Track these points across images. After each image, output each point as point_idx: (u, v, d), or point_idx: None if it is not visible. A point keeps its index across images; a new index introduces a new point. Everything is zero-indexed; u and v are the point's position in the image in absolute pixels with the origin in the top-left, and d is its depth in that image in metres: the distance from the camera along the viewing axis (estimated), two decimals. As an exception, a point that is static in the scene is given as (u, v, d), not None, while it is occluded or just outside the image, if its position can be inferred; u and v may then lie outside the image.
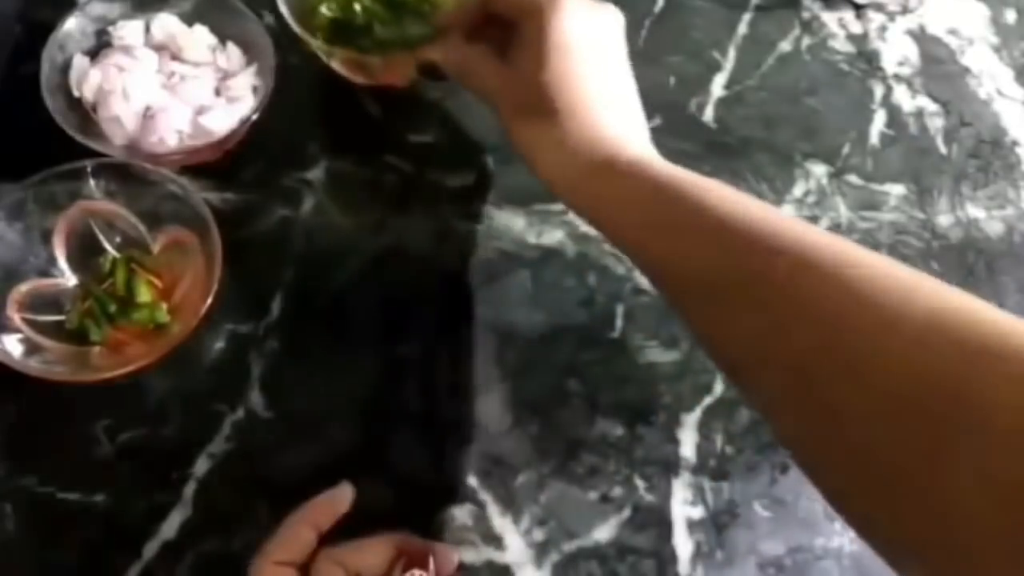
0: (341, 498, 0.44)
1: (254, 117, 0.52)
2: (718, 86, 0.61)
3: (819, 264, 0.35)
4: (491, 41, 0.48)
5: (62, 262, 0.50)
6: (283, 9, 0.53)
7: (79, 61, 0.53)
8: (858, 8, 0.65)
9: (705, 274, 0.39)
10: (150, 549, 0.46)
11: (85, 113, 0.53)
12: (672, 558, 0.48)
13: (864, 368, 0.32)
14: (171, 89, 0.54)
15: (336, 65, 0.55)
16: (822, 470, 0.35)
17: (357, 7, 0.55)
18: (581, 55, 0.44)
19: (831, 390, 0.33)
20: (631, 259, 0.44)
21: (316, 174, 0.55)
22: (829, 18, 0.65)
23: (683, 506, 0.49)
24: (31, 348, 0.47)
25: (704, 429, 0.51)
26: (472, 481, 0.49)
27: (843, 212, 0.58)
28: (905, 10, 0.66)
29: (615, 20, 0.47)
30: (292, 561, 0.41)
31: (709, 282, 0.39)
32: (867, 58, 0.64)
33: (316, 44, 0.54)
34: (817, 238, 0.36)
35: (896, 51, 0.64)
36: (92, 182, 0.49)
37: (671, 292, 0.42)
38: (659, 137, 0.58)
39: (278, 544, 0.42)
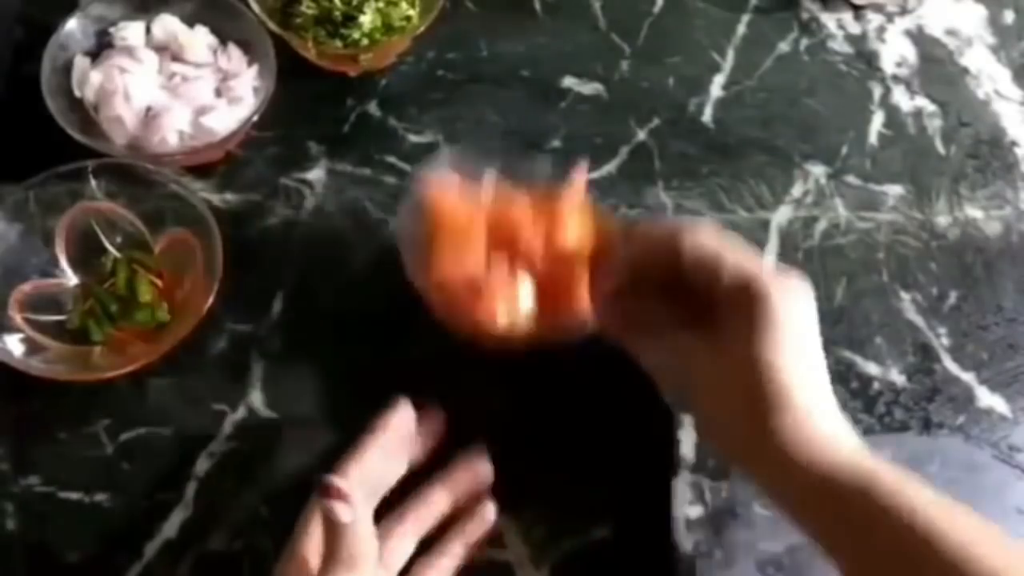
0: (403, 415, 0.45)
1: (255, 118, 0.52)
2: (717, 87, 0.61)
3: None
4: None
5: (63, 262, 0.50)
6: (256, 8, 0.53)
7: (80, 62, 0.54)
8: (856, 9, 0.66)
9: None
10: (151, 548, 0.46)
11: (86, 114, 0.53)
12: (672, 557, 0.48)
13: None
14: (172, 90, 0.54)
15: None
16: None
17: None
18: (813, 345, 0.41)
19: None
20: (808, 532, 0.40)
21: (317, 174, 0.55)
22: (828, 19, 0.65)
23: (682, 505, 0.49)
24: (32, 348, 0.47)
25: (703, 428, 0.51)
26: (472, 480, 0.49)
27: (841, 212, 0.58)
28: (903, 11, 0.66)
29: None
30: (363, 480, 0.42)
31: None
32: (866, 59, 0.64)
33: (296, 41, 0.54)
34: None
35: (894, 52, 0.64)
36: (93, 182, 0.49)
37: None
38: (658, 138, 0.59)
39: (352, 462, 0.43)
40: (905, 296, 0.56)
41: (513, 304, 0.47)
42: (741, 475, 0.44)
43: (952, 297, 0.56)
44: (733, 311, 0.41)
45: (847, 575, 0.39)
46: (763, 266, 0.42)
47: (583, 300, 0.47)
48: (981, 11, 0.67)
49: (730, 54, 0.62)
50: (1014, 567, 0.35)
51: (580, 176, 0.49)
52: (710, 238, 0.42)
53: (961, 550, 0.35)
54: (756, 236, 0.56)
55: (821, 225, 0.57)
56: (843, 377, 0.53)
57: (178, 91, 0.54)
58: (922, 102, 0.63)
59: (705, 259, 0.42)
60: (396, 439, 0.45)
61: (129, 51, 0.54)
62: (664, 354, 0.44)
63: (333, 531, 0.39)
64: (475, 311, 0.47)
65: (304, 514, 0.42)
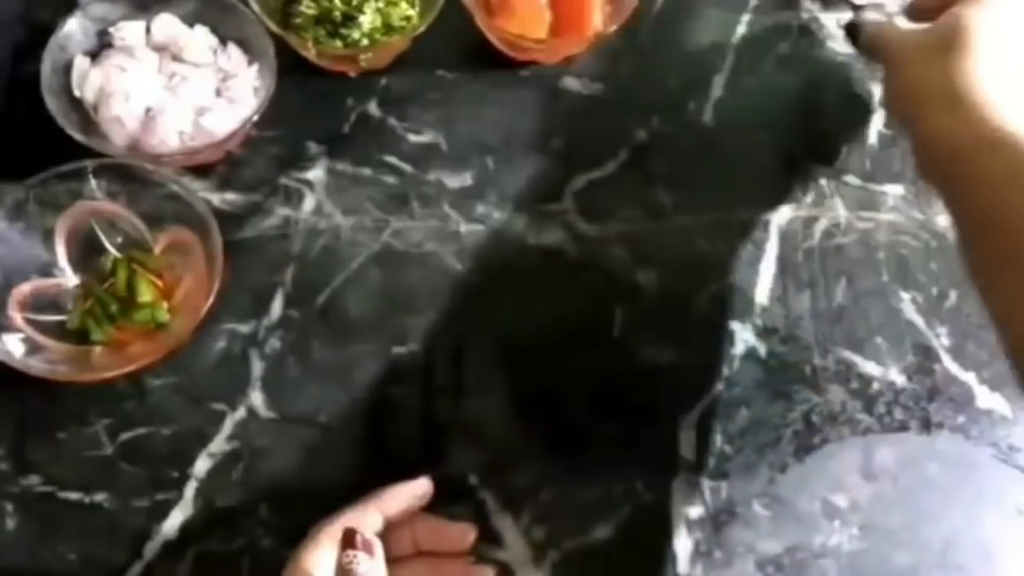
0: (417, 490, 0.45)
1: (255, 118, 0.52)
2: (717, 87, 0.61)
3: None
4: None
5: (63, 262, 0.50)
6: (256, 8, 0.53)
7: (80, 62, 0.54)
8: (856, 9, 0.66)
9: None
10: (151, 548, 0.46)
11: (86, 114, 0.53)
12: (671, 557, 0.48)
13: None
14: (172, 90, 0.54)
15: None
16: None
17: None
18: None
19: None
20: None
21: (316, 174, 0.55)
22: (827, 19, 0.65)
23: (682, 505, 0.49)
24: (32, 348, 0.47)
25: (703, 428, 0.51)
26: (472, 479, 0.49)
27: (841, 212, 0.58)
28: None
29: None
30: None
31: None
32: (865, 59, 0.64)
33: (296, 41, 0.54)
34: None
35: (894, 52, 0.64)
36: (93, 182, 0.49)
37: None
38: (658, 138, 0.59)
39: (340, 520, 0.42)
40: (905, 296, 0.56)
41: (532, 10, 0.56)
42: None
43: (952, 297, 0.56)
44: None
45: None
46: None
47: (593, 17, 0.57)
48: (981, 11, 0.67)
49: (730, 54, 0.62)
50: None
51: None
52: None
53: None
54: (756, 236, 0.56)
55: (821, 225, 0.57)
56: (843, 377, 0.53)
57: (178, 91, 0.54)
58: (922, 102, 0.63)
59: None
60: (397, 511, 0.45)
61: (129, 51, 0.54)
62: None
63: None
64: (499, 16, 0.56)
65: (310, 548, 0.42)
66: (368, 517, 0.43)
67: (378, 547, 0.41)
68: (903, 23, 0.54)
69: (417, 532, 0.45)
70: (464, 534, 0.45)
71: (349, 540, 0.39)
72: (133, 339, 0.49)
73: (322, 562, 0.41)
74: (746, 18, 0.64)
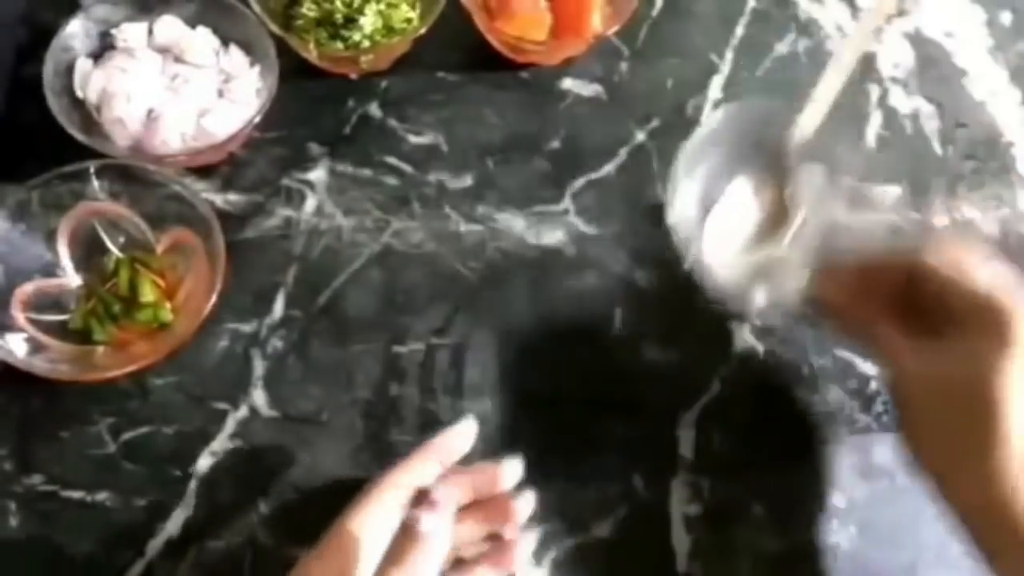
0: (466, 432, 0.45)
1: (256, 119, 0.53)
2: (716, 88, 0.61)
3: None
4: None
5: (66, 262, 0.50)
6: (257, 10, 0.54)
7: (82, 63, 0.54)
8: (855, 10, 0.66)
9: None
10: (153, 547, 0.46)
11: (88, 115, 0.53)
12: (670, 555, 0.49)
13: None
14: (174, 91, 0.54)
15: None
16: None
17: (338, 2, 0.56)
18: None
19: None
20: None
21: (318, 175, 0.56)
22: (826, 20, 0.65)
23: (681, 504, 0.50)
24: (35, 347, 0.48)
25: (702, 427, 0.51)
26: (472, 479, 0.49)
27: (840, 212, 0.58)
28: (901, 12, 0.66)
29: None
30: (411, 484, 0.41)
31: None
32: (863, 60, 0.64)
33: (297, 43, 0.55)
34: None
35: (892, 53, 0.65)
36: (96, 183, 0.49)
37: None
38: (658, 138, 0.59)
39: (392, 478, 0.42)
40: (903, 296, 0.56)
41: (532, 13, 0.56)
42: (940, 499, 0.41)
43: (949, 297, 0.56)
44: (972, 327, 0.39)
45: None
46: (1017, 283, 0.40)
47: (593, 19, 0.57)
48: (979, 13, 0.67)
49: (729, 56, 0.62)
50: None
51: None
52: (957, 251, 0.41)
53: None
54: (755, 236, 0.57)
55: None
56: (841, 377, 0.53)
57: (180, 92, 0.54)
58: (919, 103, 0.63)
59: (950, 272, 0.40)
60: (451, 458, 0.44)
61: (131, 52, 0.54)
62: (897, 352, 0.42)
63: (411, 538, 0.38)
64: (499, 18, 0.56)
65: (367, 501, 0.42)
66: (427, 467, 0.42)
67: (447, 501, 0.39)
68: None
69: (474, 480, 0.44)
70: (511, 470, 0.44)
71: (420, 499, 0.39)
72: (135, 339, 0.49)
73: (369, 526, 0.40)
74: (745, 19, 0.64)
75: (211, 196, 0.54)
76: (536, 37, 0.57)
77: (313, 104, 0.58)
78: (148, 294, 0.50)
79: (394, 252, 0.54)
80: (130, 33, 0.55)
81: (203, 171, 0.55)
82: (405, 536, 0.39)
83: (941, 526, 0.42)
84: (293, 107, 0.56)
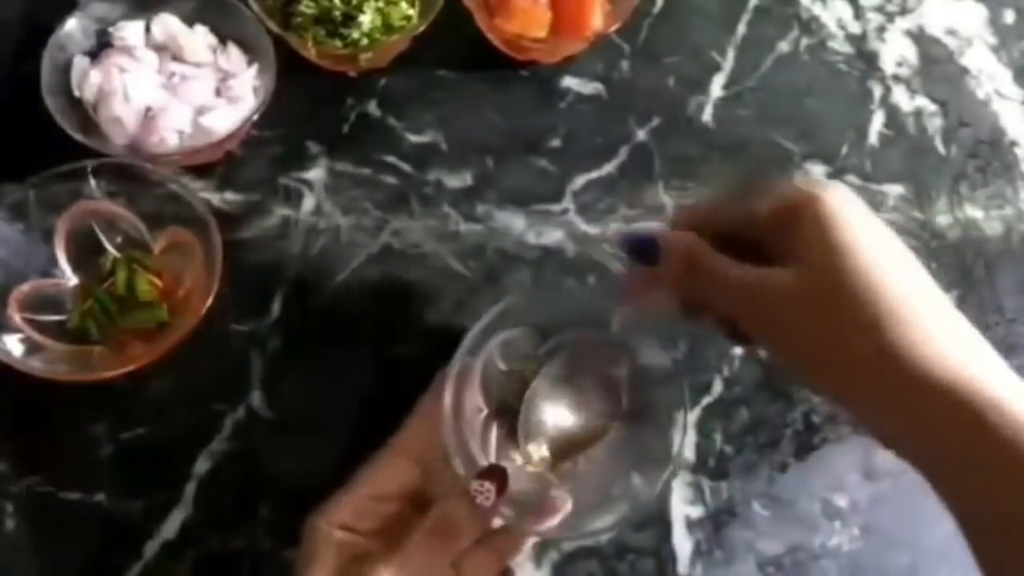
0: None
1: (254, 117, 0.52)
2: (717, 86, 0.61)
3: None
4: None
5: (63, 262, 0.50)
6: (255, 8, 0.53)
7: (80, 61, 0.54)
8: (857, 8, 0.66)
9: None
10: (151, 548, 0.46)
11: (86, 113, 0.53)
12: (671, 557, 0.48)
13: None
14: (172, 89, 0.54)
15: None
16: None
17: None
18: (888, 250, 0.36)
19: None
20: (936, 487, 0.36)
21: (316, 174, 0.55)
22: (828, 18, 0.65)
23: (682, 505, 0.49)
24: (32, 348, 0.47)
25: (703, 428, 0.51)
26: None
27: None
28: (904, 10, 0.66)
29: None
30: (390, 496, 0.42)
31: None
32: (866, 58, 0.64)
33: (295, 41, 0.54)
34: None
35: (895, 51, 0.64)
36: (93, 182, 0.49)
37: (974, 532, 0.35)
38: (658, 137, 0.59)
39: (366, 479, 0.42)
40: (905, 296, 0.56)
41: (532, 10, 0.56)
42: (837, 404, 0.38)
43: (952, 297, 0.56)
44: (784, 236, 0.36)
45: (964, 518, 0.34)
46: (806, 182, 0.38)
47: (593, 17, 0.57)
48: (982, 11, 0.67)
49: (730, 54, 0.62)
50: None
51: None
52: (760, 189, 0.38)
53: None
54: (756, 236, 0.56)
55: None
56: (843, 377, 0.53)
57: (178, 91, 0.54)
58: (922, 102, 0.63)
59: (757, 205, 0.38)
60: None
61: (128, 51, 0.54)
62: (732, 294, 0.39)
63: (463, 507, 0.40)
64: (499, 16, 0.56)
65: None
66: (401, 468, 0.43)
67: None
68: None
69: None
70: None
71: (490, 474, 0.39)
72: (133, 339, 0.49)
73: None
74: (746, 18, 0.64)
75: (209, 195, 0.54)
76: (536, 35, 0.57)
77: (311, 102, 0.57)
78: (145, 294, 0.50)
79: (393, 251, 0.54)
80: (127, 31, 0.54)
81: (201, 170, 0.54)
82: (458, 503, 0.40)
83: (943, 527, 0.41)
84: (291, 105, 0.56)
